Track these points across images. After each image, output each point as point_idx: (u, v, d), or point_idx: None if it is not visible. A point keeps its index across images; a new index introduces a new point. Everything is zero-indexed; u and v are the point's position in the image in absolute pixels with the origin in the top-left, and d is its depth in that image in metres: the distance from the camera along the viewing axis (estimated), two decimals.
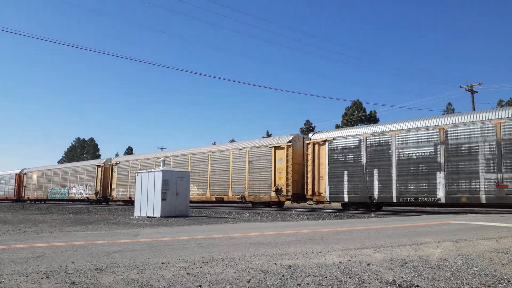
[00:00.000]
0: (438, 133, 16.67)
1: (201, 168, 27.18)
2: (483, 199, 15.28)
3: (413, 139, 17.42)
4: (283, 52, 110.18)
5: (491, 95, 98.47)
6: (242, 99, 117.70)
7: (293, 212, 18.86)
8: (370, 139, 18.86)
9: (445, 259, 4.61)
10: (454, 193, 16.02)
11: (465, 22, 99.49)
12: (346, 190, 19.41)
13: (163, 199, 14.95)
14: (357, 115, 53.97)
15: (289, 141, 22.64)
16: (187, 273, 3.84)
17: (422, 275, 3.83)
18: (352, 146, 19.46)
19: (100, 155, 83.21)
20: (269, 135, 61.37)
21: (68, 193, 36.32)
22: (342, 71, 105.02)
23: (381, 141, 18.42)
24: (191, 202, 20.08)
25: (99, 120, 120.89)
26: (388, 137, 18.23)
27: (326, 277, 3.74)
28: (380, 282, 3.57)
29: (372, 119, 52.38)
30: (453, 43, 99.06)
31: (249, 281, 3.56)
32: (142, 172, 16.42)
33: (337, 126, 52.07)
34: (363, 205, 19.42)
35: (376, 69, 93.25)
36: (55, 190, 39.44)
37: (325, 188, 20.31)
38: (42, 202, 41.21)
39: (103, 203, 34.51)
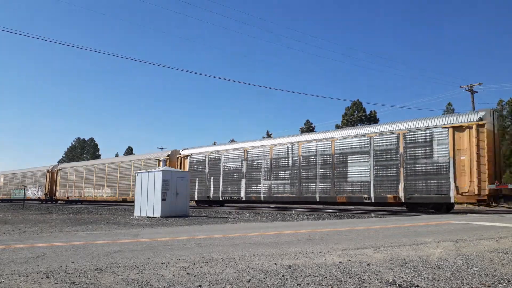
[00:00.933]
0: (243, 153, 24.58)
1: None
2: (262, 198, 23.22)
3: (231, 156, 25.21)
4: (283, 52, 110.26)
5: (491, 95, 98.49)
6: (242, 99, 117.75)
7: (293, 212, 18.86)
8: (211, 155, 26.38)
9: (445, 259, 4.61)
10: (249, 194, 23.79)
11: (465, 22, 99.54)
12: (196, 192, 26.61)
13: (163, 199, 14.96)
14: (357, 115, 53.97)
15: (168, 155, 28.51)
16: (187, 273, 3.84)
17: (422, 275, 3.83)
18: (201, 160, 26.93)
19: (100, 155, 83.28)
20: (269, 135, 61.38)
21: (24, 193, 39.88)
22: (342, 71, 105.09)
23: (216, 157, 26.06)
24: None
25: (99, 120, 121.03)
26: (219, 154, 25.93)
27: (326, 277, 3.74)
28: (380, 282, 3.58)
29: (372, 119, 52.37)
30: (453, 43, 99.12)
31: (249, 281, 3.57)
32: (142, 172, 16.42)
33: (337, 126, 52.05)
34: (205, 203, 26.87)
35: (376, 69, 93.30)
36: (16, 191, 45.41)
37: None
38: (6, 201, 47.07)
39: (49, 202, 40.79)
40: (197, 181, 26.42)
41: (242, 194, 23.96)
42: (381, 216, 14.64)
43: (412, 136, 17.46)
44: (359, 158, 19.19)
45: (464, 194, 15.84)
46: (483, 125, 15.89)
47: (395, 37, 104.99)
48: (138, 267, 4.11)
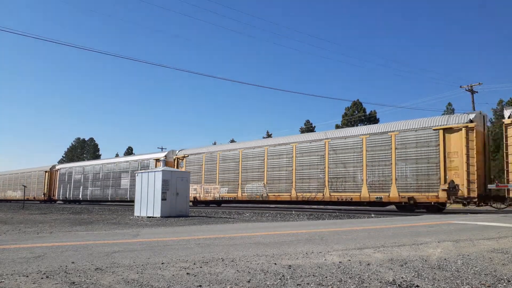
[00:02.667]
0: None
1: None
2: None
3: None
4: (283, 52, 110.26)
5: (491, 95, 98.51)
6: (242, 99, 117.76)
7: (293, 212, 18.86)
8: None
9: (445, 259, 4.61)
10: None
11: (466, 22, 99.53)
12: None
13: (163, 199, 14.96)
14: (357, 115, 53.97)
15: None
16: (187, 273, 3.84)
17: (422, 275, 3.83)
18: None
19: (100, 155, 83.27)
20: (269, 135, 61.38)
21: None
22: (342, 71, 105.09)
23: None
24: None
25: (99, 120, 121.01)
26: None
27: (326, 277, 3.74)
28: (380, 282, 3.58)
29: (372, 119, 52.37)
30: (454, 43, 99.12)
31: (249, 281, 3.57)
32: (142, 172, 16.43)
33: (337, 126, 52.06)
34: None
35: (376, 69, 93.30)
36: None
37: None
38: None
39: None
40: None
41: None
42: (381, 216, 14.64)
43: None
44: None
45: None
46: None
47: (395, 37, 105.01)
48: (138, 267, 4.11)
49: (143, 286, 3.39)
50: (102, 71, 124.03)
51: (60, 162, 79.50)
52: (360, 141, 19.22)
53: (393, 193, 17.86)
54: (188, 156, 28.09)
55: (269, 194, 22.68)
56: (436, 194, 16.60)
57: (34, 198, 42.68)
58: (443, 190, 16.39)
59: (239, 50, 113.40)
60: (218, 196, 25.35)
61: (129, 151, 79.76)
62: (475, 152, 15.85)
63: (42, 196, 41.53)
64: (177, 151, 29.45)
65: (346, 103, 56.38)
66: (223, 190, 25.09)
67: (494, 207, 17.52)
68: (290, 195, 21.71)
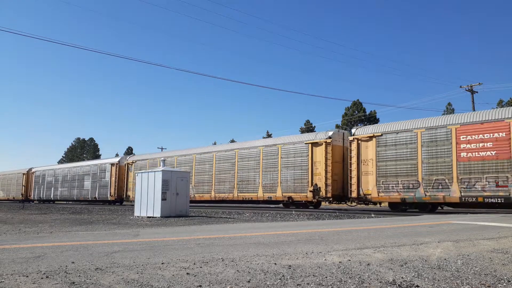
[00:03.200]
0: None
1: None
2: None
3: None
4: (283, 52, 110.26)
5: (491, 95, 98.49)
6: (242, 99, 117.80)
7: (293, 212, 18.88)
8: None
9: (445, 259, 4.61)
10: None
11: (466, 22, 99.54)
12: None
13: (163, 199, 14.96)
14: (357, 115, 53.98)
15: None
16: (187, 273, 3.84)
17: (422, 275, 3.83)
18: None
19: (100, 155, 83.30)
20: (269, 135, 61.38)
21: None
22: (342, 71, 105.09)
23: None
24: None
25: (99, 120, 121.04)
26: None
27: (326, 277, 3.74)
28: (380, 282, 3.58)
29: (372, 119, 52.40)
30: (453, 43, 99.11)
31: (249, 281, 3.57)
32: (142, 172, 16.42)
33: (337, 126, 52.10)
34: None
35: (376, 69, 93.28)
36: None
37: None
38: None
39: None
40: None
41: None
42: (381, 216, 14.65)
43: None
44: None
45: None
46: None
47: (395, 37, 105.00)
48: (138, 267, 4.11)
49: (143, 286, 3.39)
50: (102, 71, 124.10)
51: (60, 162, 79.52)
52: (258, 152, 23.92)
53: (279, 193, 22.36)
54: (136, 161, 32.53)
55: (195, 195, 27.02)
56: (306, 194, 21.28)
57: (13, 198, 44.88)
58: (310, 191, 20.92)
59: (239, 50, 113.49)
60: None
61: (129, 151, 79.77)
62: (331, 162, 20.38)
63: (20, 196, 43.51)
64: (127, 157, 34.53)
65: (346, 103, 56.47)
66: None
67: (348, 204, 21.67)
68: (210, 196, 26.38)
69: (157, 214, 14.79)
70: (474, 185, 15.73)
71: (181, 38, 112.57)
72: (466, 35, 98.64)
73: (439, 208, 18.68)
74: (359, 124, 50.30)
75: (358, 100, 54.64)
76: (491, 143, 15.40)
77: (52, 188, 39.77)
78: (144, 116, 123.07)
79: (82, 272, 3.88)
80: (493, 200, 15.16)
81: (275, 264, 4.31)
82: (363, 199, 19.01)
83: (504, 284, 3.54)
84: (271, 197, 22.77)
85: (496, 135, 15.37)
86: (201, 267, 4.16)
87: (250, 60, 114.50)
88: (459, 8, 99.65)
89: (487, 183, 15.38)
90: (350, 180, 19.46)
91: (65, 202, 38.77)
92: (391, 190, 18.09)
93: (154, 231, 9.03)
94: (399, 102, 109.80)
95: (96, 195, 34.51)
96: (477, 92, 37.91)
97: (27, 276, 3.68)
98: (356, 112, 54.35)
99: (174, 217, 14.46)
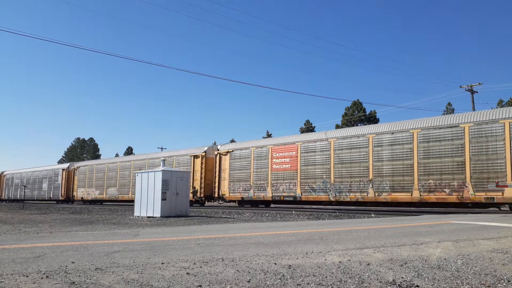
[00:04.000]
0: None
1: None
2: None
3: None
4: (283, 52, 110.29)
5: (491, 95, 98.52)
6: (242, 99, 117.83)
7: (293, 212, 18.88)
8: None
9: (445, 259, 4.61)
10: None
11: (466, 22, 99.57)
12: None
13: (163, 199, 14.95)
14: (357, 115, 53.98)
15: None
16: (187, 273, 3.84)
17: (422, 275, 3.83)
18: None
19: (100, 155, 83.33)
20: (269, 135, 61.37)
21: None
22: (342, 71, 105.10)
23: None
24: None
25: (99, 120, 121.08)
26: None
27: (326, 277, 3.74)
28: (380, 282, 3.58)
29: (372, 119, 52.39)
30: (453, 43, 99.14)
31: (249, 281, 3.57)
32: (142, 172, 16.42)
33: (337, 126, 52.08)
34: None
35: (376, 69, 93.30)
36: None
37: None
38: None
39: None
40: None
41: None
42: (381, 216, 14.65)
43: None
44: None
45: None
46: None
47: (395, 37, 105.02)
48: (138, 267, 4.11)
49: (143, 286, 3.39)
50: (102, 71, 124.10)
51: (60, 162, 79.51)
52: (189, 159, 28.24)
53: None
54: (79, 167, 38.03)
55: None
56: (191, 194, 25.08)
57: None
58: (191, 192, 23.86)
59: (239, 50, 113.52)
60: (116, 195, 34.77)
61: (129, 151, 79.78)
62: (204, 170, 26.60)
63: None
64: (74, 163, 39.57)
65: (346, 103, 56.43)
66: (96, 192, 35.53)
67: (219, 203, 26.73)
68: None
69: (157, 214, 14.78)
70: (279, 188, 22.16)
71: (181, 38, 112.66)
72: (466, 35, 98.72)
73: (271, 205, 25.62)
74: (359, 124, 50.36)
75: (358, 100, 54.64)
76: (288, 159, 21.97)
77: (19, 189, 44.52)
78: (144, 116, 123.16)
79: (82, 272, 3.88)
80: (288, 199, 21.76)
81: (275, 264, 4.31)
82: (221, 198, 25.40)
83: (504, 284, 3.54)
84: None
85: (291, 153, 21.89)
86: (201, 267, 4.16)
87: (250, 60, 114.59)
88: (459, 8, 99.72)
89: (285, 187, 21.86)
90: (214, 184, 25.91)
91: (30, 201, 43.35)
92: (236, 191, 24.50)
93: (154, 231, 9.03)
94: (399, 102, 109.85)
95: (51, 195, 40.17)
96: (477, 92, 37.92)
97: (27, 276, 3.68)
98: (356, 112, 54.35)
99: (174, 217, 14.46)
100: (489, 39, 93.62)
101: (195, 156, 27.21)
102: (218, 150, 26.15)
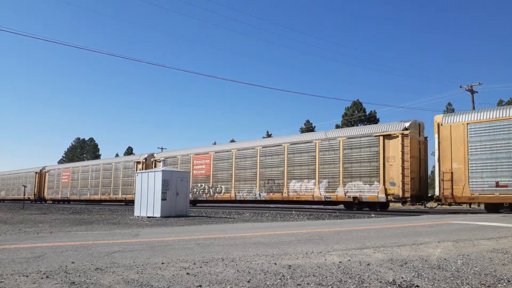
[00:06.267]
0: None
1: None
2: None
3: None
4: (283, 52, 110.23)
5: (491, 95, 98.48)
6: (242, 99, 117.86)
7: (293, 212, 18.87)
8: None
9: (445, 259, 4.61)
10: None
11: (466, 22, 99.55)
12: None
13: (163, 199, 14.95)
14: (357, 115, 53.97)
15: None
16: (187, 273, 3.84)
17: (422, 275, 3.83)
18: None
19: (100, 155, 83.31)
20: (269, 135, 61.36)
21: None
22: (342, 71, 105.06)
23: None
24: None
25: (99, 120, 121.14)
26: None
27: (326, 277, 3.74)
28: (380, 282, 3.57)
29: (372, 119, 52.39)
30: (454, 43, 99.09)
31: (249, 281, 3.56)
32: (142, 172, 16.42)
33: (337, 126, 52.08)
34: None
35: (376, 69, 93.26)
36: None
37: None
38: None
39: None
40: None
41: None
42: (381, 216, 14.64)
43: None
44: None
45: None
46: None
47: (395, 37, 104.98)
48: (138, 267, 4.11)
49: (143, 286, 3.39)
50: (102, 71, 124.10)
51: (60, 162, 79.50)
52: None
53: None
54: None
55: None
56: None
57: None
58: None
59: (239, 50, 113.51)
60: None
61: (129, 151, 79.76)
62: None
63: None
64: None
65: (346, 103, 56.45)
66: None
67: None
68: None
69: (157, 214, 14.78)
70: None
71: (181, 38, 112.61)
72: (466, 35, 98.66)
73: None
74: (359, 124, 50.33)
75: (358, 100, 54.68)
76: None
77: None
78: (144, 116, 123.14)
79: (82, 272, 3.88)
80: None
81: (275, 264, 4.31)
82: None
83: (504, 284, 3.54)
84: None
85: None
86: (201, 267, 4.16)
87: (250, 60, 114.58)
88: (459, 8, 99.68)
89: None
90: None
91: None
92: None
93: (154, 231, 9.03)
94: (399, 102, 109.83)
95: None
96: (477, 92, 37.92)
97: (27, 276, 3.68)
98: (356, 112, 54.33)
99: (174, 217, 14.45)
100: (489, 39, 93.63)
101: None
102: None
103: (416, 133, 18.68)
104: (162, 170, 15.38)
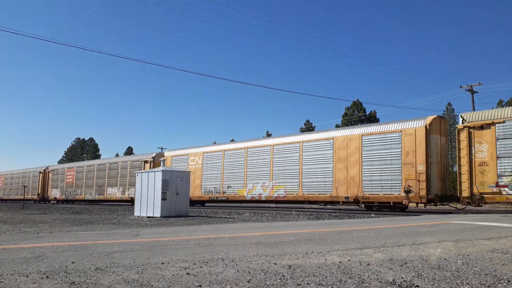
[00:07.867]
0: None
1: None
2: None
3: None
4: (283, 52, 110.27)
5: (491, 95, 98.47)
6: (242, 99, 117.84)
7: (293, 212, 18.87)
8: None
9: (445, 259, 4.61)
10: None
11: (465, 22, 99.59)
12: None
13: (163, 199, 14.94)
14: (357, 115, 53.97)
15: None
16: (187, 273, 3.84)
17: (422, 275, 3.83)
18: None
19: (100, 155, 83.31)
20: (268, 135, 61.38)
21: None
22: (342, 71, 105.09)
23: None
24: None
25: (99, 120, 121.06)
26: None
27: (326, 277, 3.74)
28: (380, 282, 3.57)
29: (372, 119, 52.38)
30: (454, 43, 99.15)
31: (249, 281, 3.56)
32: (142, 172, 16.41)
33: (337, 126, 52.07)
34: None
35: (376, 69, 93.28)
36: None
37: None
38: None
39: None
40: None
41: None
42: (381, 216, 14.64)
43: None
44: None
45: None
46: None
47: (395, 37, 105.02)
48: (138, 267, 4.11)
49: (143, 286, 3.39)
50: (102, 71, 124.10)
51: (60, 162, 79.51)
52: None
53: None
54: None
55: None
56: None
57: None
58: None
59: (239, 50, 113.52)
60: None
61: (129, 151, 79.77)
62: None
63: None
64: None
65: (346, 103, 56.46)
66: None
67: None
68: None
69: (157, 214, 14.78)
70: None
71: (181, 38, 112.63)
72: (466, 35, 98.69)
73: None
74: (359, 124, 50.37)
75: (358, 100, 54.69)
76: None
77: None
78: (144, 116, 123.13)
79: (82, 272, 3.89)
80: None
81: (275, 264, 4.31)
82: None
83: (504, 284, 3.54)
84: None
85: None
86: (201, 267, 4.16)
87: (250, 60, 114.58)
88: (459, 8, 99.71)
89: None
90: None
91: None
92: None
93: (154, 231, 9.03)
94: (399, 102, 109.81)
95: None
96: (477, 92, 37.93)
97: (27, 276, 3.68)
98: (356, 112, 54.33)
99: (174, 217, 14.45)
100: (489, 39, 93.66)
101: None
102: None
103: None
104: (162, 170, 15.38)
